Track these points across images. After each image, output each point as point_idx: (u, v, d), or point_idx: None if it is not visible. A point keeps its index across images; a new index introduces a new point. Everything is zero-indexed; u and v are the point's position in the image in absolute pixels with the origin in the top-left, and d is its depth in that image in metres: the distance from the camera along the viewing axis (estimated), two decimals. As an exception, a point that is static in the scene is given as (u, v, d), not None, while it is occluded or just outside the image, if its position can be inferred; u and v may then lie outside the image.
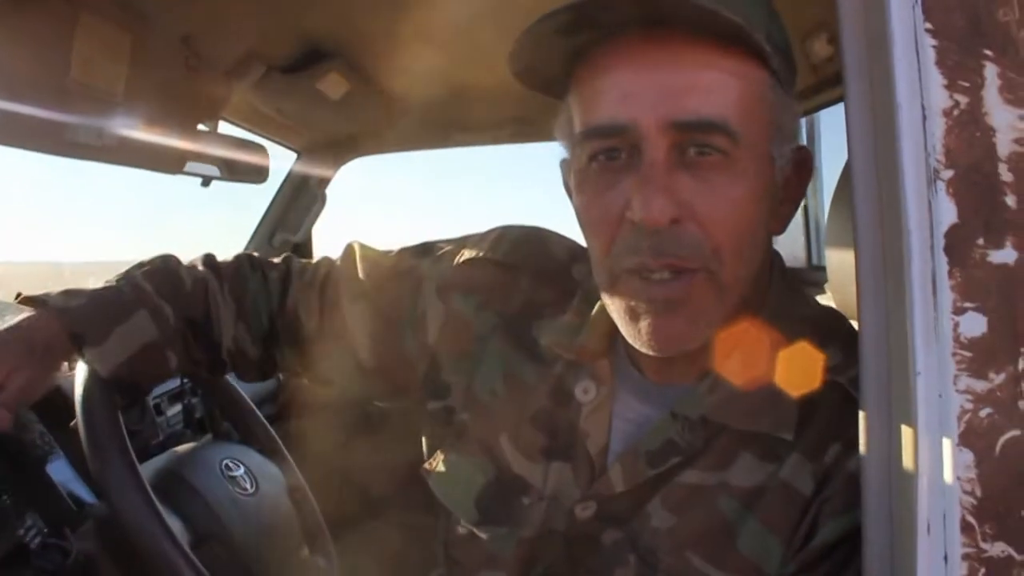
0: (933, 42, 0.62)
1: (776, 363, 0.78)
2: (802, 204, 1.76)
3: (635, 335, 0.75)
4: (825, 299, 1.11)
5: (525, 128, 2.17)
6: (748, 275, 0.75)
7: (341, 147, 2.27)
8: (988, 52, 0.61)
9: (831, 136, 1.62)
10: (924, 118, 0.61)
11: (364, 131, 2.16)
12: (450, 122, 2.16)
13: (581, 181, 0.75)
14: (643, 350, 0.75)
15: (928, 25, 0.62)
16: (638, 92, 0.69)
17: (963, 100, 0.61)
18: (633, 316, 0.74)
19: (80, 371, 0.94)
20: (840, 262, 1.00)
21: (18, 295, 0.97)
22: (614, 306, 0.76)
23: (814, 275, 1.77)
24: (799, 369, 0.77)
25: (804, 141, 1.80)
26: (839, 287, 1.04)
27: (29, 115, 0.93)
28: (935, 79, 0.61)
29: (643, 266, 0.71)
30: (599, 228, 0.74)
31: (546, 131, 2.36)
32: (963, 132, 0.61)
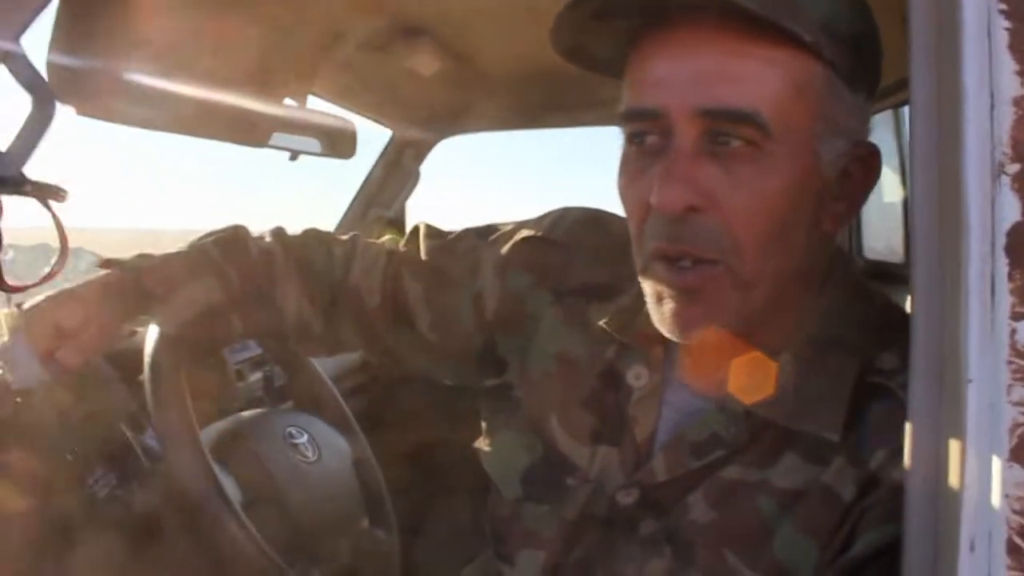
0: (1007, 24, 0.57)
1: (822, 364, 0.75)
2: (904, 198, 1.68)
3: (659, 318, 0.75)
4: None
5: (615, 111, 2.14)
6: (777, 272, 0.72)
7: (434, 125, 2.29)
8: (1067, 36, 0.56)
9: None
10: (992, 106, 0.57)
11: (456, 109, 2.17)
12: (541, 102, 2.14)
13: (623, 163, 0.76)
14: (665, 333, 0.76)
15: (1003, 6, 0.57)
16: (671, 78, 0.69)
17: (1036, 88, 0.56)
18: (658, 300, 0.75)
19: (150, 330, 0.99)
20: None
21: (99, 259, 1.02)
22: (646, 289, 0.77)
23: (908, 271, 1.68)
24: (842, 372, 0.74)
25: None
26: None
27: (111, 85, 0.97)
28: (1007, 65, 0.57)
29: (661, 251, 0.72)
30: (633, 210, 0.75)
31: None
32: (1034, 123, 0.56)
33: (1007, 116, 0.56)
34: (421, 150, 2.34)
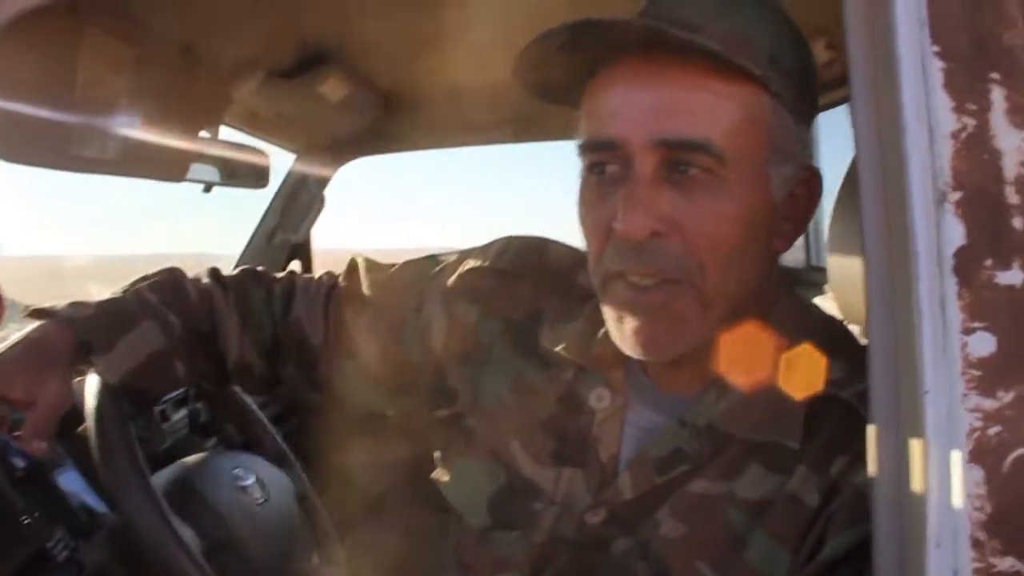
0: (941, 64, 0.62)
1: (779, 374, 0.79)
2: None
3: (620, 338, 0.78)
4: (823, 300, 1.12)
5: (524, 128, 2.18)
6: (737, 289, 0.76)
7: (340, 148, 2.27)
8: (995, 75, 0.62)
9: (829, 140, 1.63)
10: (932, 140, 0.62)
11: (363, 132, 2.16)
12: (448, 122, 2.17)
13: (582, 190, 0.79)
14: (628, 352, 0.78)
15: (936, 48, 0.62)
16: (629, 111, 0.72)
17: (970, 122, 0.62)
18: (619, 319, 0.78)
19: (89, 381, 0.95)
20: (842, 267, 1.01)
21: (26, 308, 0.98)
22: (605, 309, 0.80)
23: (813, 276, 1.78)
24: (801, 379, 0.78)
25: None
26: (841, 291, 1.05)
27: (34, 130, 0.93)
28: (942, 102, 0.62)
29: (626, 272, 0.75)
30: (593, 236, 0.78)
31: (544, 131, 2.36)
32: (971, 154, 0.62)
33: (946, 148, 0.62)
34: (326, 174, 2.32)
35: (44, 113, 0.92)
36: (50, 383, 0.92)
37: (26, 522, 0.82)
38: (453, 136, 2.28)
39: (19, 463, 0.86)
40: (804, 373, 0.78)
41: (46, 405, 0.91)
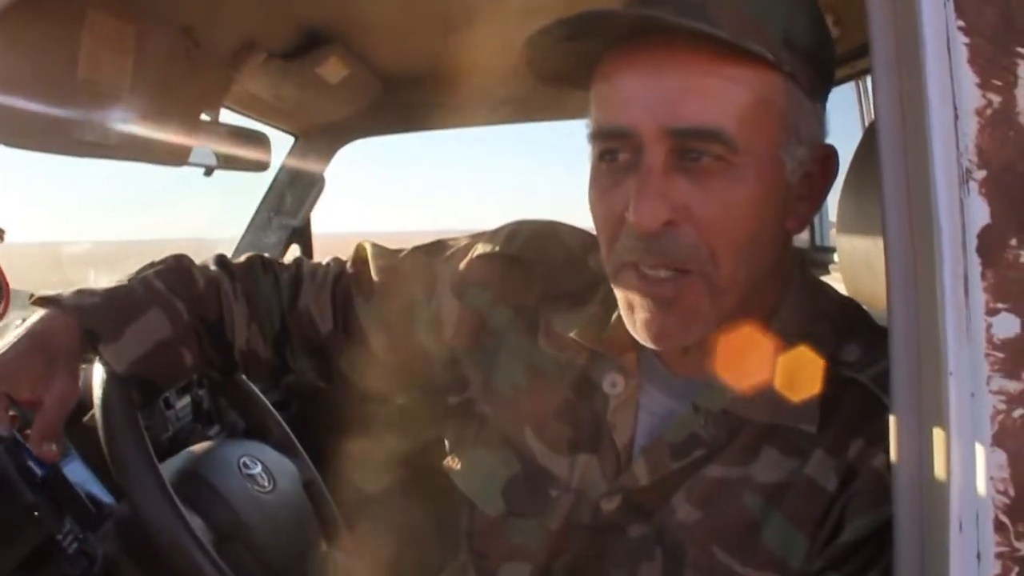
0: (965, 40, 0.61)
1: (794, 359, 0.79)
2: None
3: (632, 326, 0.78)
4: (830, 279, 1.12)
5: (521, 108, 2.17)
6: (749, 276, 0.75)
7: (338, 130, 2.25)
8: (1021, 50, 0.61)
9: (835, 116, 1.61)
10: (956, 118, 0.61)
11: (361, 114, 2.14)
12: (445, 103, 2.14)
13: (593, 177, 0.78)
14: (640, 341, 0.78)
15: (960, 23, 0.61)
16: (639, 98, 0.71)
17: (996, 99, 0.61)
18: (630, 308, 0.77)
19: (96, 371, 0.94)
20: (852, 247, 1.01)
21: (31, 296, 0.96)
22: (617, 297, 0.79)
23: (818, 256, 1.77)
24: (816, 364, 0.78)
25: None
26: (850, 272, 1.04)
27: (37, 116, 0.92)
28: (967, 78, 0.61)
29: (639, 262, 0.74)
30: (605, 224, 0.77)
31: (541, 111, 2.35)
32: (996, 131, 0.61)
33: (971, 126, 0.61)
34: (325, 155, 2.30)
35: (45, 97, 0.90)
36: (56, 382, 0.90)
37: (36, 515, 0.82)
38: (452, 117, 2.27)
39: (37, 471, 0.85)
40: (816, 358, 0.78)
41: (53, 405, 0.90)
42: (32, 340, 0.92)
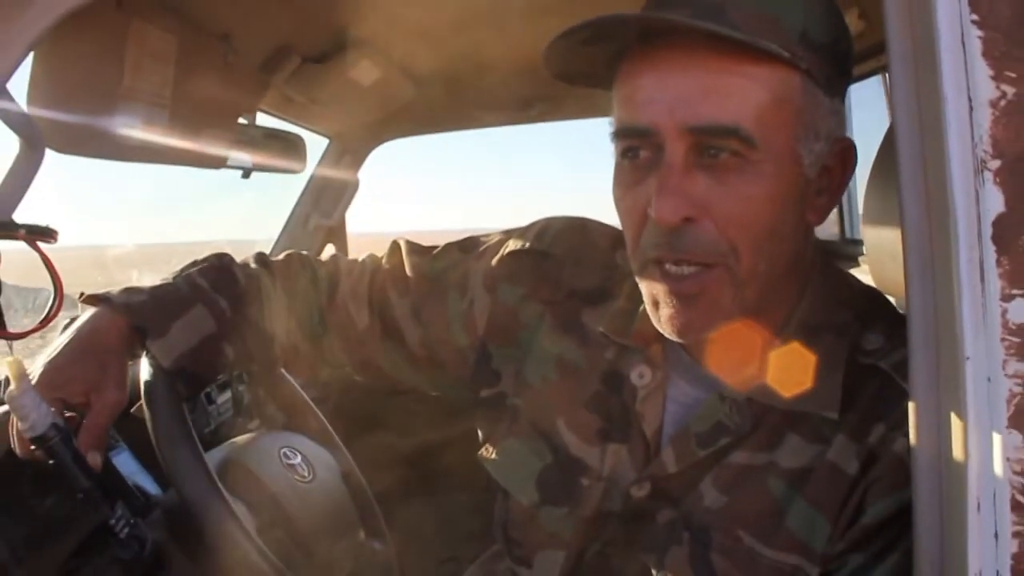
0: (979, 33, 0.63)
1: (816, 348, 0.81)
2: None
3: (657, 320, 0.80)
4: (859, 272, 1.13)
5: (550, 108, 2.18)
6: (770, 268, 0.77)
7: (371, 131, 2.29)
8: (1034, 42, 0.62)
9: (861, 111, 1.61)
10: (971, 109, 0.63)
11: (393, 115, 2.18)
12: (476, 103, 2.18)
13: (617, 175, 0.80)
14: (664, 334, 0.80)
15: (974, 16, 0.63)
16: (659, 98, 0.73)
17: (1010, 91, 0.62)
18: (655, 303, 0.80)
19: (143, 365, 0.98)
20: (878, 239, 1.02)
21: (81, 294, 1.00)
22: (643, 292, 0.81)
23: (848, 248, 1.78)
24: (838, 352, 0.80)
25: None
26: (876, 263, 1.05)
27: (86, 122, 0.96)
28: (982, 70, 0.63)
29: (662, 258, 0.76)
30: (629, 220, 0.79)
31: (570, 110, 2.36)
32: (1010, 122, 0.62)
33: (986, 117, 0.62)
34: (358, 156, 2.34)
35: (93, 105, 0.95)
36: (106, 392, 0.93)
37: (91, 500, 0.86)
38: (482, 116, 2.29)
39: (88, 503, 0.88)
40: (831, 344, 0.80)
41: (103, 412, 0.93)
42: (83, 342, 0.95)
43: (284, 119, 1.97)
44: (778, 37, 0.71)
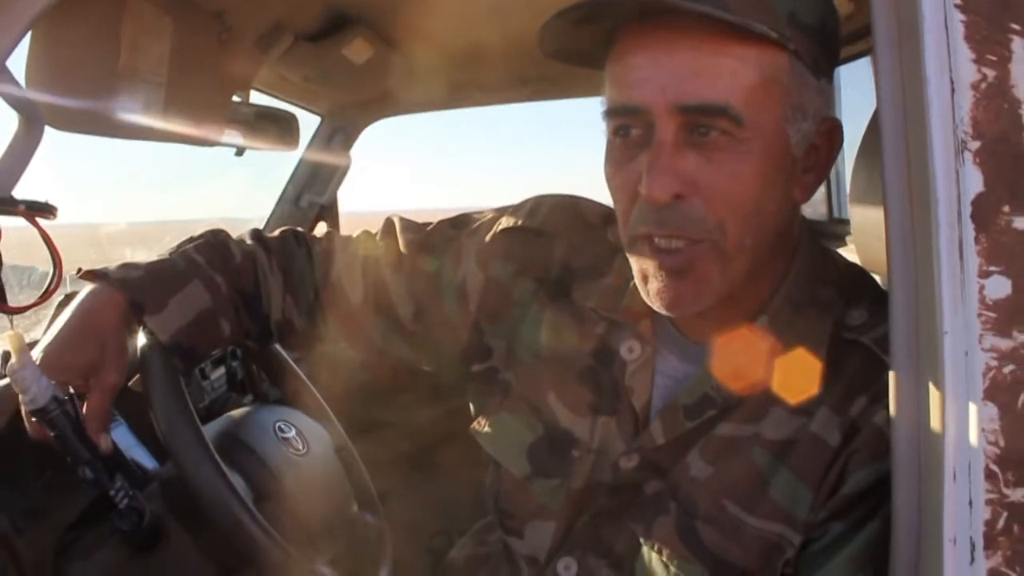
0: (962, 17, 0.64)
1: (800, 323, 0.83)
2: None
3: (646, 295, 0.82)
4: (846, 251, 1.15)
5: (545, 86, 2.19)
6: (757, 244, 0.79)
7: (364, 109, 2.29)
8: (1016, 26, 0.64)
9: (850, 91, 1.63)
10: (953, 91, 0.64)
11: (386, 93, 2.18)
12: (469, 81, 2.18)
13: (608, 152, 0.82)
14: (654, 308, 0.82)
15: (957, 1, 0.65)
16: (650, 77, 0.75)
17: (991, 73, 0.64)
18: (644, 278, 0.81)
19: (140, 339, 0.99)
20: (864, 218, 1.04)
21: (79, 270, 1.01)
22: (632, 267, 0.83)
23: (836, 228, 1.80)
24: (822, 328, 0.82)
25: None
26: (863, 242, 1.07)
27: (82, 100, 0.96)
28: (964, 53, 0.64)
29: (652, 234, 0.78)
30: (620, 197, 0.81)
31: (565, 89, 2.36)
32: (990, 104, 0.64)
33: (967, 99, 0.64)
34: (351, 134, 2.34)
35: (89, 83, 0.95)
36: (105, 374, 0.95)
37: (92, 470, 0.87)
38: (475, 95, 2.30)
39: (88, 474, 0.89)
40: (815, 320, 0.82)
41: (103, 392, 0.94)
42: (81, 320, 0.96)
43: (277, 97, 1.98)
44: (767, 18, 0.73)
